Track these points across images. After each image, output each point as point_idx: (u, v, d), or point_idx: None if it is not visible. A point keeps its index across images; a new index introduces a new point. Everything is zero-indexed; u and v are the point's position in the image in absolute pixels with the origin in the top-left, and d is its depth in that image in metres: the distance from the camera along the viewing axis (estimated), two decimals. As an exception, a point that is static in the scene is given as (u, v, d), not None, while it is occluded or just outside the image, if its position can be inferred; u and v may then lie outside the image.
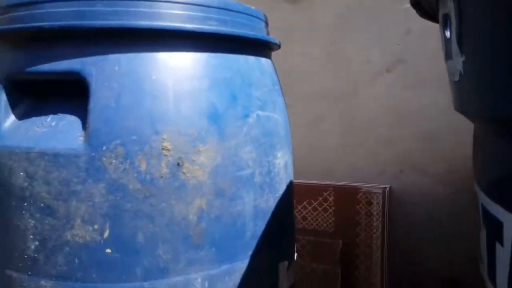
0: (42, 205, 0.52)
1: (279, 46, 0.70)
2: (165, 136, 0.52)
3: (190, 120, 0.54)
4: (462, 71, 0.49)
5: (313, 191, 1.78)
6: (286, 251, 0.69)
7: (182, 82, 0.54)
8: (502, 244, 0.47)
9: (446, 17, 0.52)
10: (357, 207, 1.72)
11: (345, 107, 1.85)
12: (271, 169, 0.62)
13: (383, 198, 1.69)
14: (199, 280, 0.56)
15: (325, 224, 1.76)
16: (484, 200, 0.52)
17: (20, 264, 0.56)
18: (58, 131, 0.53)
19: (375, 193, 1.69)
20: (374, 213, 1.69)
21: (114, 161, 0.51)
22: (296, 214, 1.83)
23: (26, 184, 0.53)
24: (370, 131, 1.82)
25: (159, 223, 0.53)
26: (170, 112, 0.53)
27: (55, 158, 0.51)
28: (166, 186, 0.53)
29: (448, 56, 0.54)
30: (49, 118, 0.54)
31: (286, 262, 0.68)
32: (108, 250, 0.52)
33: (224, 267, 0.58)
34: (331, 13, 1.71)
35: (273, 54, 0.72)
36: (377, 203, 1.69)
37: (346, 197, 1.73)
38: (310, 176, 1.89)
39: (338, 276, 1.63)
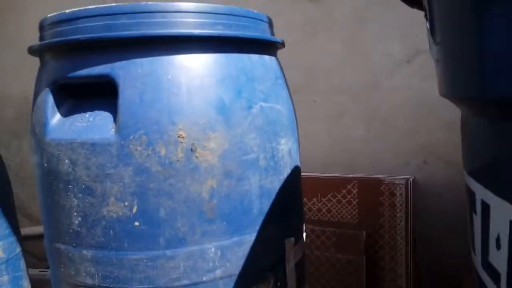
0: (83, 186, 0.63)
1: (283, 45, 0.78)
2: (180, 126, 0.62)
3: (201, 112, 0.63)
4: (436, 58, 0.54)
5: (337, 184, 1.83)
6: (292, 228, 0.77)
7: (194, 79, 0.63)
8: (475, 213, 0.53)
9: (425, 9, 0.58)
10: (381, 198, 1.76)
11: (367, 100, 1.89)
12: (275, 154, 0.70)
13: (406, 189, 1.72)
14: (213, 249, 0.65)
15: (349, 216, 1.81)
16: (464, 175, 0.57)
17: (67, 238, 0.67)
18: (95, 125, 0.64)
19: (398, 184, 1.72)
20: (398, 204, 1.72)
21: (139, 148, 0.61)
22: (321, 207, 1.89)
23: (70, 169, 0.64)
24: (392, 123, 1.85)
25: (178, 200, 0.63)
26: (184, 106, 0.62)
27: (93, 147, 0.62)
28: (182, 168, 0.62)
29: (429, 45, 0.60)
30: (87, 114, 0.66)
31: (292, 239, 0.76)
32: (137, 223, 0.63)
33: (234, 239, 0.67)
34: (349, 6, 1.76)
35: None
36: (400, 194, 1.72)
37: (370, 189, 1.77)
38: (335, 169, 1.95)
39: (363, 265, 1.68)
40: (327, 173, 1.93)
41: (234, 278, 0.67)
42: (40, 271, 1.68)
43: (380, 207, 1.74)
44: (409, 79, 1.76)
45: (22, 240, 1.27)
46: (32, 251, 1.92)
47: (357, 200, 1.79)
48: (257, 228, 0.69)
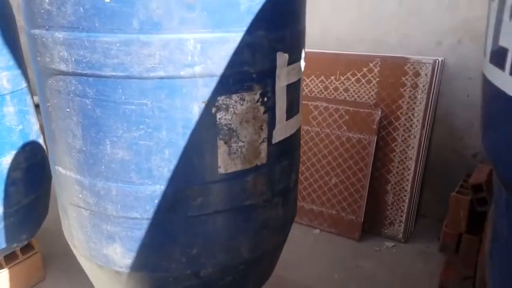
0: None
1: None
2: None
3: None
4: None
5: (359, 62, 1.71)
6: (287, 44, 0.69)
7: None
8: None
9: None
10: (403, 78, 1.64)
11: (404, -33, 1.67)
12: None
13: (433, 70, 1.59)
14: (192, 41, 0.59)
15: (367, 96, 1.72)
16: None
17: (39, 20, 0.62)
18: None
19: (425, 64, 1.59)
20: (420, 85, 1.60)
21: None
22: (339, 86, 1.80)
23: None
24: (431, -3, 1.64)
25: (152, -25, 0.55)
26: None
27: None
28: None
29: None
30: None
31: (286, 55, 0.68)
32: (107, 0, 0.56)
33: (217, 34, 0.60)
34: None
35: None
36: (425, 75, 1.59)
37: (393, 68, 1.65)
38: (360, 47, 1.80)
39: (373, 145, 1.63)
40: (352, 50, 1.80)
41: (215, 79, 0.62)
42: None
43: (401, 87, 1.63)
44: None
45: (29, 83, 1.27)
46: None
47: (377, 79, 1.68)
48: (244, 28, 0.62)
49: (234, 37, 0.61)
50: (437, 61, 1.58)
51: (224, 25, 0.60)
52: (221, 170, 0.67)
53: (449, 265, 1.47)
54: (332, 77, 1.78)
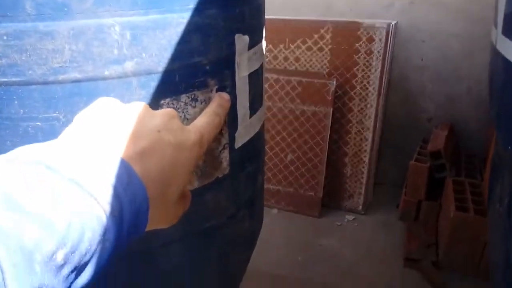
0: None
1: None
2: None
3: None
4: None
5: (309, 29, 1.58)
6: (246, 23, 0.54)
7: None
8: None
9: None
10: (357, 45, 1.54)
11: None
12: None
13: (387, 34, 1.50)
14: (117, 28, 0.41)
15: (319, 65, 1.61)
16: None
17: None
18: None
19: (378, 28, 1.49)
20: (375, 51, 1.51)
21: None
22: (288, 55, 1.66)
23: None
24: (382, -46, 1.53)
25: None
26: None
27: None
28: None
29: None
30: None
31: (246, 37, 0.53)
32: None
33: (153, 16, 0.43)
34: None
35: None
36: (380, 40, 1.50)
37: (345, 34, 1.54)
38: (308, 12, 1.67)
39: (329, 117, 1.55)
40: (298, 15, 1.66)
41: (155, 77, 0.45)
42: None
43: (355, 54, 1.53)
44: None
45: None
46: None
47: (329, 46, 1.56)
48: (191, 6, 0.45)
49: (177, 19, 0.44)
50: (391, 24, 1.49)
51: (162, 3, 0.43)
52: (174, 192, 0.52)
53: (411, 234, 1.47)
54: (281, 46, 1.64)
